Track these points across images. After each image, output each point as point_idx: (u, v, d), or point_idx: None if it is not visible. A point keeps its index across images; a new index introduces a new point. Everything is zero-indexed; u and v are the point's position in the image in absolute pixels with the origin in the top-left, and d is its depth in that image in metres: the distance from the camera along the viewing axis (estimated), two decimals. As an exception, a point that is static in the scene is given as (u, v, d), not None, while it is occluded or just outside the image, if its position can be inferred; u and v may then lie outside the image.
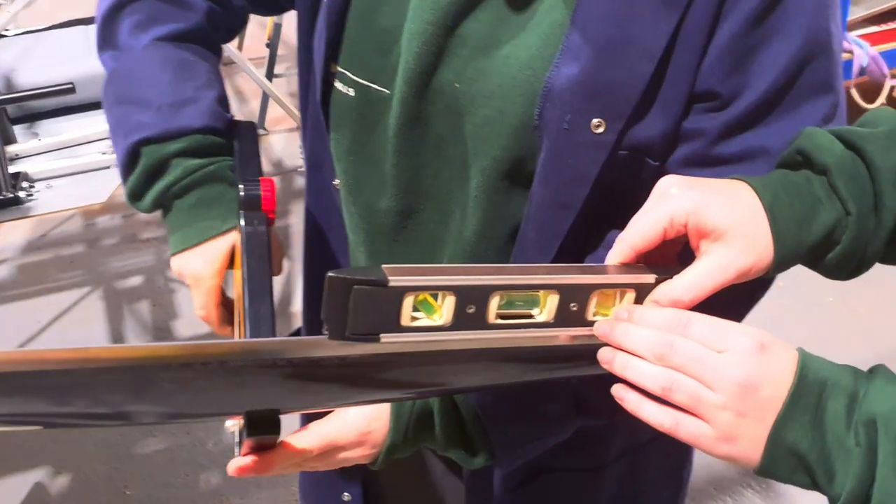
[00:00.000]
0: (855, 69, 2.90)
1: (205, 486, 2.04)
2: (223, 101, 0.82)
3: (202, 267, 0.78)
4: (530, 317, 0.61)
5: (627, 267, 0.62)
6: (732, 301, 0.62)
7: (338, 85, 0.77)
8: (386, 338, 0.56)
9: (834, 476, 0.55)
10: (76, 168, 1.53)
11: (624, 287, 0.62)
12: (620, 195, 0.69)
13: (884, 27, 3.14)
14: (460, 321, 0.58)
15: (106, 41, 0.83)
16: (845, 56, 2.91)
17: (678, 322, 0.58)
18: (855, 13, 3.06)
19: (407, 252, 0.79)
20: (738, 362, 0.55)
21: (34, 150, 1.63)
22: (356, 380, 0.59)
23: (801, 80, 0.67)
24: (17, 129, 1.75)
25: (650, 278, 0.62)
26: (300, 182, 3.02)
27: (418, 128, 0.73)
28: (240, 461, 0.65)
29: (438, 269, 0.58)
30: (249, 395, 0.58)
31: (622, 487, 0.89)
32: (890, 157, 0.62)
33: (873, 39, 3.03)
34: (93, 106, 1.77)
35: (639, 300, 0.63)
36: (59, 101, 1.75)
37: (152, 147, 0.78)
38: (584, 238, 0.72)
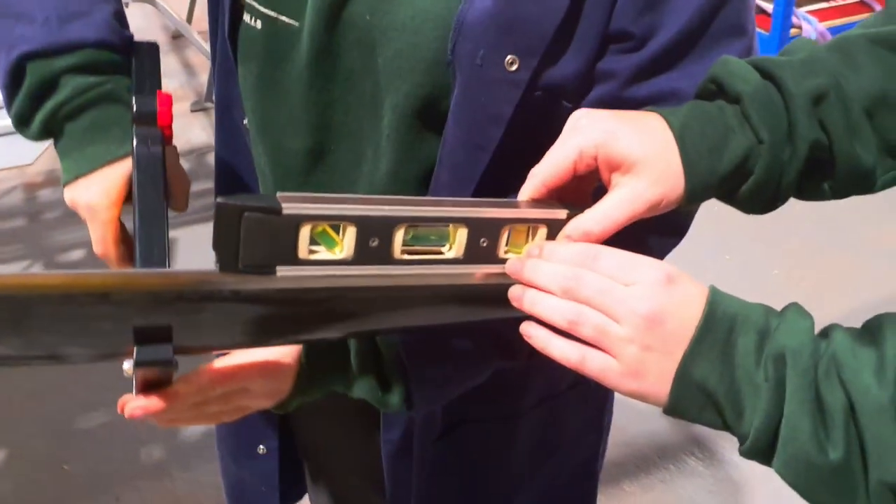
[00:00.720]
0: (803, 44, 2.92)
1: (147, 460, 2.00)
2: (121, 18, 0.76)
3: (97, 196, 0.72)
4: (439, 253, 0.59)
5: (540, 203, 0.61)
6: (642, 247, 0.60)
7: (245, 17, 0.74)
8: (282, 271, 0.53)
9: (742, 413, 0.54)
10: (2, 129, 1.46)
11: (535, 222, 0.61)
12: (536, 138, 0.67)
13: (832, 3, 3.17)
14: (363, 255, 0.55)
15: None
16: (793, 31, 2.94)
17: (587, 255, 0.56)
18: (804, -11, 3.09)
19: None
20: (644, 295, 0.54)
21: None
22: (253, 317, 0.56)
23: (714, 22, 0.66)
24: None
25: (562, 214, 0.60)
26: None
27: (328, 62, 0.71)
28: (130, 398, 0.60)
29: (338, 198, 0.55)
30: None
31: (542, 435, 0.88)
32: (804, 84, 0.61)
33: (822, 15, 3.07)
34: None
35: (551, 237, 0.61)
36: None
37: (38, 63, 0.71)
38: (501, 182, 0.70)
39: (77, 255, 2.63)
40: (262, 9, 0.73)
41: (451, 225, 0.58)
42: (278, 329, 0.59)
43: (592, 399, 0.93)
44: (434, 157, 0.70)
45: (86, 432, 2.08)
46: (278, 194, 0.52)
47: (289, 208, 0.52)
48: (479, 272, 0.60)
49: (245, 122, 0.80)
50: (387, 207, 0.55)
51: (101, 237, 0.74)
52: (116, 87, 0.73)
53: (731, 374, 0.54)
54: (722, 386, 0.54)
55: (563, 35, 0.65)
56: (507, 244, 0.60)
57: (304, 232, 0.53)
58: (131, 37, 0.77)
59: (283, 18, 0.72)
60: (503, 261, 0.60)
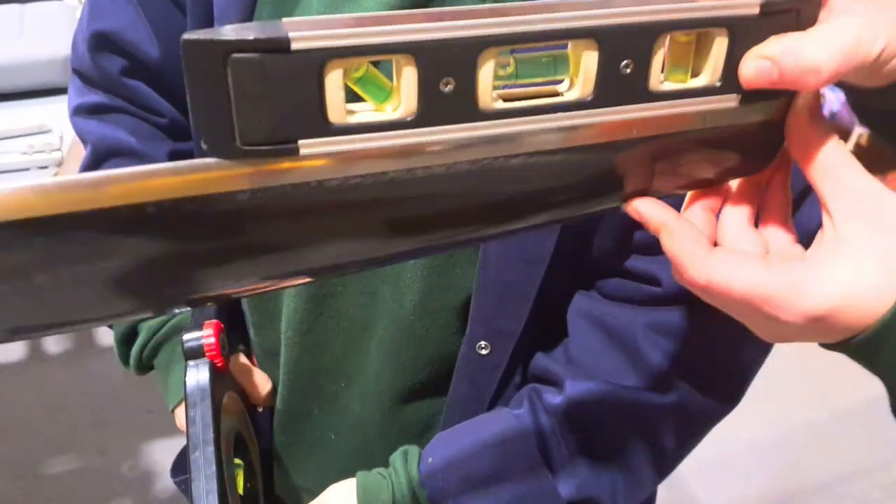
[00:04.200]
0: (825, 114, 2.85)
1: (115, 515, 1.88)
2: None
3: None
4: (553, 94, 0.35)
5: None
6: None
7: None
8: (307, 146, 0.31)
9: None
10: (9, 166, 1.35)
11: (711, 24, 0.35)
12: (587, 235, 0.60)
13: (855, 73, 3.11)
14: (433, 109, 0.33)
15: None
16: (817, 100, 2.87)
17: None
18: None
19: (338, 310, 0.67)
20: None
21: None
22: (257, 236, 0.33)
23: None
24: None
25: (753, 7, 0.36)
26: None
27: None
28: None
29: (382, 17, 0.31)
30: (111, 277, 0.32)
31: None
32: None
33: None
34: (17, 96, 1.59)
35: (734, 52, 0.36)
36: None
37: None
38: (559, 293, 0.63)
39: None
40: None
41: (570, 43, 0.35)
42: (297, 252, 0.34)
43: None
44: (469, 282, 0.61)
45: (53, 478, 1.95)
46: (284, 20, 0.30)
47: (301, 39, 0.30)
48: (618, 119, 0.36)
49: None
50: (463, 23, 0.32)
51: None
52: (183, 318, 0.78)
53: None
54: None
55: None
56: (665, 66, 0.37)
57: (334, 78, 0.31)
58: None
59: None
60: (658, 96, 0.36)
